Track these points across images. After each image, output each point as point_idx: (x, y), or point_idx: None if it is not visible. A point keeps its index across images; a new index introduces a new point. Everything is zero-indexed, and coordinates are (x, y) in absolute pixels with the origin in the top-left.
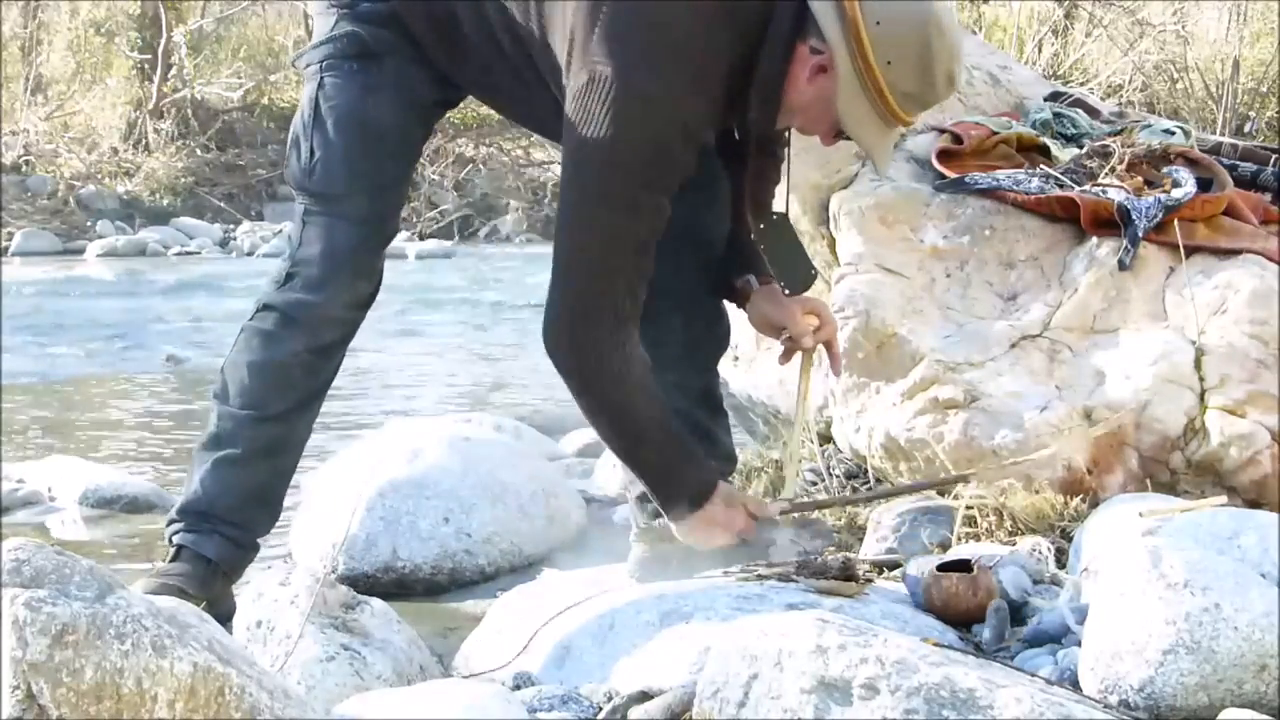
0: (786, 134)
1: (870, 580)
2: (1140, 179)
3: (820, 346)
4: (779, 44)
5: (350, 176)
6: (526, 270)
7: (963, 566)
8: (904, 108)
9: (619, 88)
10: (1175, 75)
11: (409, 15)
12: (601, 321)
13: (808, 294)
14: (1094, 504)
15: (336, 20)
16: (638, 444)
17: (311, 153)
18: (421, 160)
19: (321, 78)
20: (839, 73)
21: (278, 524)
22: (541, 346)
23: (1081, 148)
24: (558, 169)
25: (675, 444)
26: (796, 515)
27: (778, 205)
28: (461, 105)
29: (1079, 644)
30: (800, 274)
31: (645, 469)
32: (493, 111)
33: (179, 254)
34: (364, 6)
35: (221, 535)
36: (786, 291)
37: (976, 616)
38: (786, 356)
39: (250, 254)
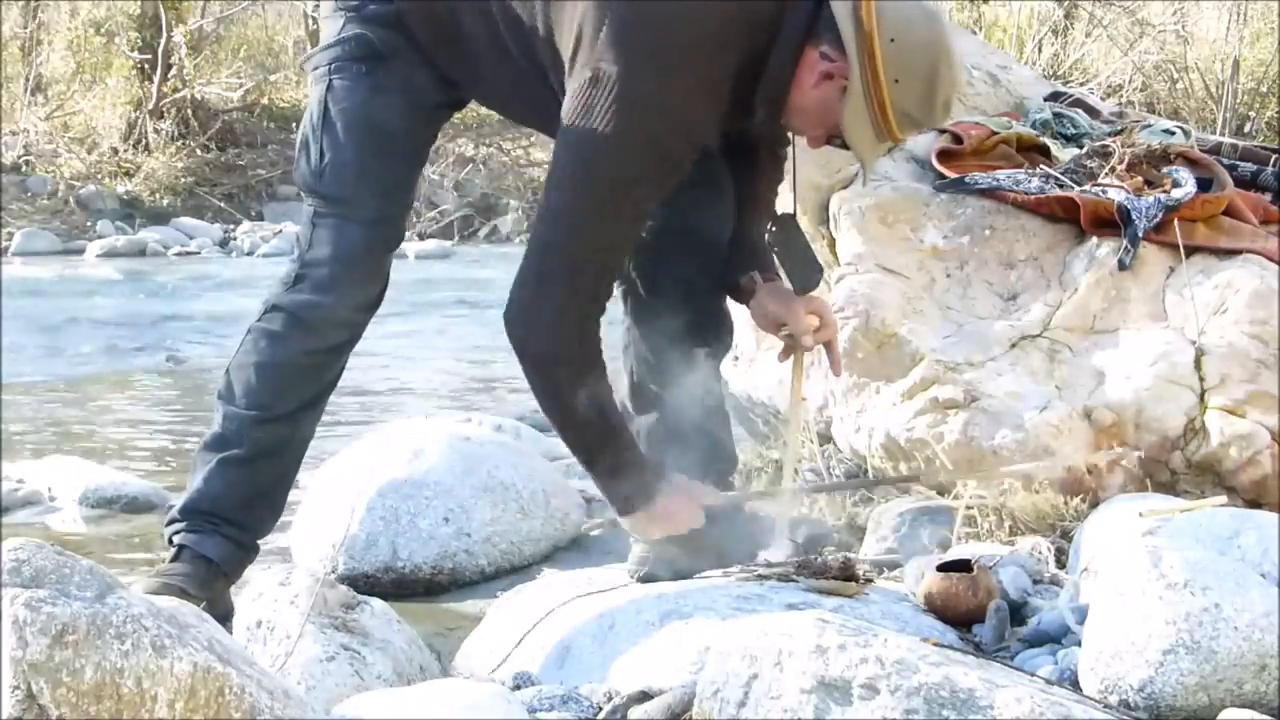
0: (788, 133)
1: (870, 580)
2: (1140, 179)
3: (820, 347)
4: (789, 46)
5: (359, 179)
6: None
7: (963, 566)
8: (899, 126)
9: (622, 88)
10: (1175, 75)
11: (411, 16)
12: (585, 313)
13: (811, 294)
14: (1094, 504)
15: (344, 23)
16: (601, 437)
17: (321, 155)
18: None
19: (330, 80)
20: (849, 83)
21: (277, 524)
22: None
23: (1081, 148)
24: None
25: (631, 439)
26: (796, 515)
27: (786, 206)
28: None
29: (1079, 644)
30: (812, 273)
31: (606, 462)
32: (493, 111)
33: (179, 254)
34: (371, 8)
35: (223, 535)
36: (797, 290)
37: (976, 616)
38: (785, 354)
39: (250, 254)
